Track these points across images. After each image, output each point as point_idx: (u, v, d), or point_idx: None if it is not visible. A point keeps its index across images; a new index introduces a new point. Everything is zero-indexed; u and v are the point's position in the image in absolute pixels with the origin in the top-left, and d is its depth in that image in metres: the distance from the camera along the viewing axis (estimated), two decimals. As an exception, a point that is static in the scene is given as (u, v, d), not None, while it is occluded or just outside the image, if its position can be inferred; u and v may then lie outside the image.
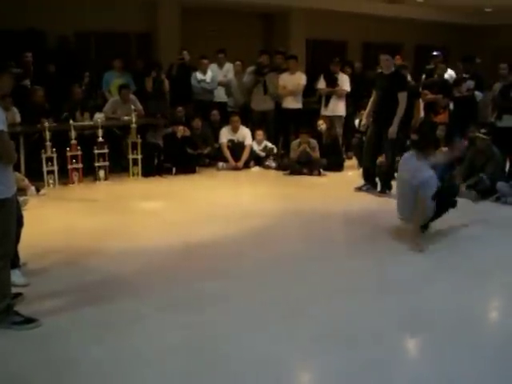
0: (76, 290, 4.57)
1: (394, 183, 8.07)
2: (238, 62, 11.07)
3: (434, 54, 10.67)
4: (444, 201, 5.84)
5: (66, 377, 3.34)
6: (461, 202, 7.41)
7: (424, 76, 10.75)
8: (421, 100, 9.82)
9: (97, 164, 8.70)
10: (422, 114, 9.90)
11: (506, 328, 4.10)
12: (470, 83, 9.35)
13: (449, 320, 4.10)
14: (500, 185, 7.63)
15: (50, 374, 3.37)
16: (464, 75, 9.66)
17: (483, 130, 8.03)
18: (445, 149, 8.78)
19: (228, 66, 11.04)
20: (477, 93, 9.27)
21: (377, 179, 8.12)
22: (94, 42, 12.67)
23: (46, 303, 4.25)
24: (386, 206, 7.33)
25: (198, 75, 10.65)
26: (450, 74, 10.44)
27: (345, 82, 10.36)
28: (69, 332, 3.83)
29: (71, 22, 11.50)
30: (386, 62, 7.88)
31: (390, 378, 3.37)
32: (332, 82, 10.34)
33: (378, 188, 8.06)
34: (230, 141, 10.01)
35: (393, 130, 7.68)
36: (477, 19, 17.10)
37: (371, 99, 8.13)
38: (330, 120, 10.22)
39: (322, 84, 10.46)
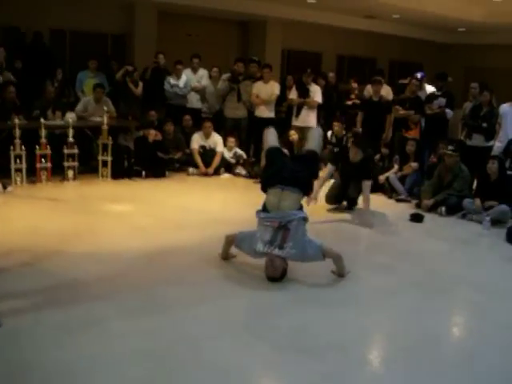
0: (37, 291, 4.50)
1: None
2: (215, 69, 11.06)
3: (418, 76, 10.64)
4: None
5: (21, 380, 3.29)
6: (427, 217, 7.56)
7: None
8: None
9: (66, 164, 8.62)
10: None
11: (465, 346, 4.15)
12: (442, 101, 9.48)
13: (411, 335, 4.13)
14: (466, 202, 7.73)
15: (6, 376, 3.30)
16: (436, 93, 9.79)
17: (451, 147, 8.14)
18: (414, 164, 8.88)
19: (202, 72, 11.01)
20: (447, 110, 9.40)
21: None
22: (69, 40, 12.60)
23: (7, 303, 4.17)
24: (355, 217, 7.41)
25: (172, 80, 10.63)
26: (429, 89, 10.49)
27: (316, 94, 10.37)
28: (28, 334, 3.77)
29: (47, 19, 11.42)
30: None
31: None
32: (304, 92, 10.36)
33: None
34: (202, 147, 9.99)
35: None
36: (450, 38, 17.37)
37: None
38: (301, 131, 10.26)
39: (293, 94, 10.49)
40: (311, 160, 5.52)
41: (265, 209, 5.12)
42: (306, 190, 5.28)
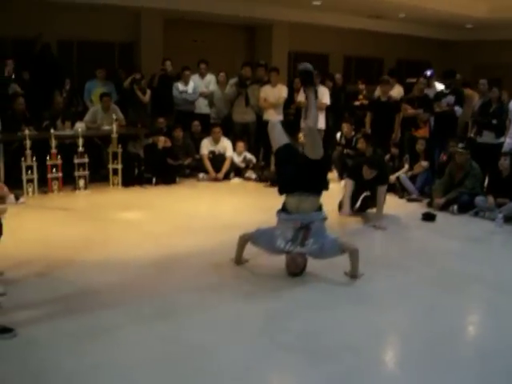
0: (52, 300, 4.52)
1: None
2: (222, 74, 11.09)
3: (428, 74, 10.57)
4: None
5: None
6: (439, 216, 7.53)
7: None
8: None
9: (77, 173, 8.66)
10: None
11: (480, 344, 4.12)
12: (451, 98, 9.43)
13: (425, 334, 4.12)
14: (478, 199, 7.69)
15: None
16: (444, 90, 9.75)
17: (461, 145, 8.10)
18: (424, 163, 8.85)
19: (209, 78, 11.04)
20: (456, 108, 9.36)
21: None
22: (77, 50, 12.67)
23: (22, 313, 4.20)
24: (366, 220, 7.39)
25: (180, 86, 10.67)
26: (439, 87, 10.45)
27: (324, 95, 10.36)
28: (44, 343, 3.79)
29: (54, 30, 11.49)
30: None
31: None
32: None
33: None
34: (211, 152, 10.01)
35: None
36: (457, 35, 17.29)
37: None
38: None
39: (301, 97, 10.48)
40: (322, 163, 5.38)
41: (284, 208, 5.13)
42: (324, 188, 5.24)
